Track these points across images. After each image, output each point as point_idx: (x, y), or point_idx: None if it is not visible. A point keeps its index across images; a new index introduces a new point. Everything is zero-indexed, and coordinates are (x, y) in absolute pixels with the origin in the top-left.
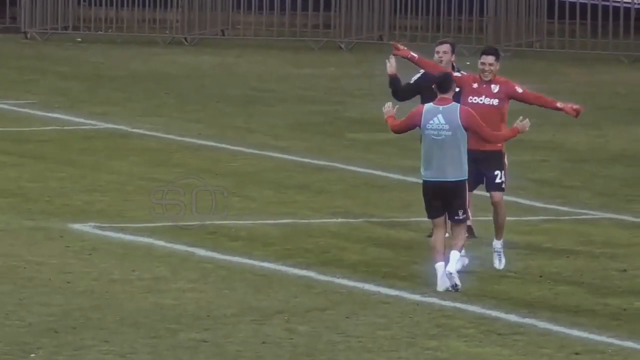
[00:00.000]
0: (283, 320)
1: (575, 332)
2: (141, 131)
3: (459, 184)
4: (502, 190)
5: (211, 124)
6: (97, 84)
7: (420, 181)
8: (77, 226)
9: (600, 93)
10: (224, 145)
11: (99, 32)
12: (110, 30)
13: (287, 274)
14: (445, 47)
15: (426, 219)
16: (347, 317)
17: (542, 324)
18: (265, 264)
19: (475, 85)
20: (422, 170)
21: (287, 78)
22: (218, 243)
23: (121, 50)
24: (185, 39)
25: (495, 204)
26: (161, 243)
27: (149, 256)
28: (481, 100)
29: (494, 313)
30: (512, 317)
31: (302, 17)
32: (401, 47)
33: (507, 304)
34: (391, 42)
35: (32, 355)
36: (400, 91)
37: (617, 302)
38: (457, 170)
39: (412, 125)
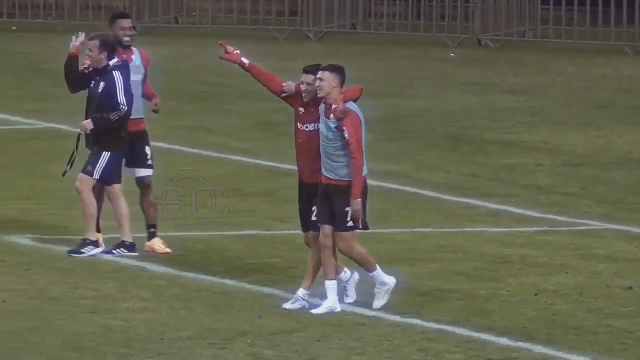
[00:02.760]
0: (246, 344)
1: (576, 357)
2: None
3: None
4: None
5: (162, 123)
6: (35, 78)
7: (397, 189)
8: (12, 238)
9: (600, 89)
10: (176, 147)
11: (37, 19)
12: (49, 18)
13: (251, 292)
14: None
15: (405, 230)
16: (319, 341)
17: (538, 349)
18: (226, 281)
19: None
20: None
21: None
22: (172, 257)
23: (62, 40)
24: (134, 27)
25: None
26: (108, 257)
27: (94, 272)
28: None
29: (484, 336)
30: (504, 341)
31: (265, 3)
32: (231, 49)
33: (499, 326)
34: (220, 43)
35: None
36: (73, 75)
37: (622, 324)
38: None
39: None
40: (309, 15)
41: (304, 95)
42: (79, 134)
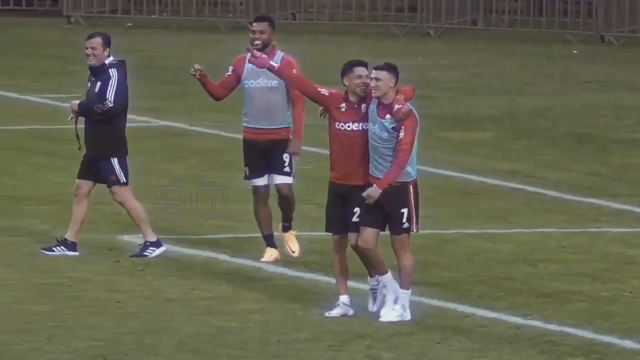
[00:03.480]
0: (364, 346)
1: None
2: (200, 129)
3: None
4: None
5: None
6: (150, 75)
7: (518, 188)
8: (128, 238)
9: None
10: None
11: (152, 15)
12: (164, 14)
13: (368, 294)
14: None
15: (527, 230)
16: (438, 343)
17: None
18: None
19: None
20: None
21: None
22: (288, 258)
23: (177, 37)
24: (250, 23)
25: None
26: (224, 257)
27: (209, 273)
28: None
29: (606, 338)
30: (628, 343)
31: None
32: (258, 54)
33: (622, 328)
34: (246, 48)
35: None
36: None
37: None
38: None
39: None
40: (429, 11)
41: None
42: (71, 117)
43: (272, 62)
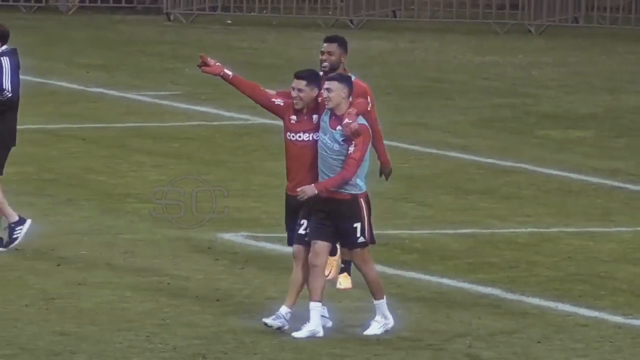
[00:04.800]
0: (464, 345)
1: None
2: None
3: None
4: None
5: (381, 119)
6: (249, 73)
7: (620, 186)
8: (227, 236)
9: None
10: (394, 144)
11: (252, 12)
12: (264, 11)
13: (469, 292)
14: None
15: (629, 228)
16: (539, 342)
17: None
18: (444, 280)
19: None
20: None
21: (469, 67)
22: (390, 256)
23: (277, 34)
24: (351, 21)
25: None
26: None
27: None
28: None
29: None
30: None
31: None
32: (212, 61)
33: None
34: (200, 55)
35: None
36: None
37: None
38: None
39: None
40: (530, 9)
41: (295, 102)
42: None
43: (225, 70)
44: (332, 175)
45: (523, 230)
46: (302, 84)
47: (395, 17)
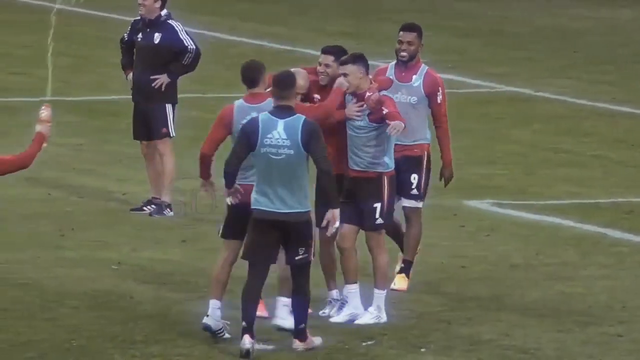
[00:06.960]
0: None
1: None
2: (546, 95)
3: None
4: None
5: (627, 87)
6: (497, 41)
7: None
8: (472, 203)
9: None
10: None
11: None
12: None
13: None
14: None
15: None
16: None
17: None
18: None
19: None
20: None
21: None
22: (635, 223)
23: (524, 3)
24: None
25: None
26: (569, 223)
27: (555, 238)
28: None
29: None
30: None
31: None
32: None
33: None
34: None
35: (422, 349)
36: None
37: None
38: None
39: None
40: None
41: (320, 77)
42: None
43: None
44: (361, 154)
45: None
46: (329, 59)
47: None
